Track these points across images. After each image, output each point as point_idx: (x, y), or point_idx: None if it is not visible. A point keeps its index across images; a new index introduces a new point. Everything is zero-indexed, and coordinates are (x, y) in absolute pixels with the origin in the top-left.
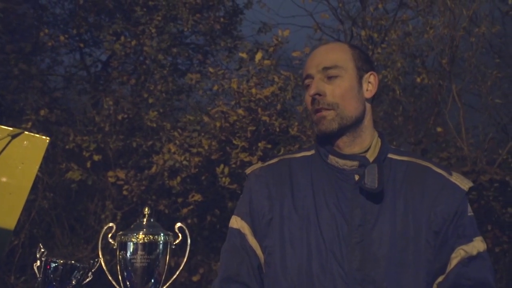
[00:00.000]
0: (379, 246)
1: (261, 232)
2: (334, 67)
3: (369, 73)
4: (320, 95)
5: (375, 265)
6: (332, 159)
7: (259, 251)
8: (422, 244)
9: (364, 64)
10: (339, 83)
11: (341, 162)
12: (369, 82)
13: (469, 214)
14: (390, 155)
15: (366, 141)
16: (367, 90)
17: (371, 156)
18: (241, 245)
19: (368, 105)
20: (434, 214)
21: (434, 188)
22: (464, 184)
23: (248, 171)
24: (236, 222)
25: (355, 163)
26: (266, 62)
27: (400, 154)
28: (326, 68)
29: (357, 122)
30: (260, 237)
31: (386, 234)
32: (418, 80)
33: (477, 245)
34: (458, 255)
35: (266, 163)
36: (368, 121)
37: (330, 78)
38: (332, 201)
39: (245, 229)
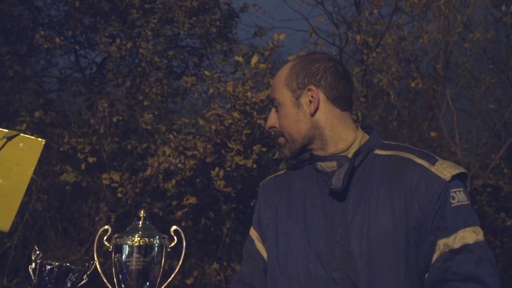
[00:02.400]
0: (355, 245)
1: (264, 237)
2: (273, 99)
3: (306, 89)
4: (273, 127)
5: (352, 264)
6: (318, 164)
7: (265, 256)
8: (401, 241)
9: (301, 81)
10: (280, 113)
11: (323, 165)
12: (312, 96)
13: (453, 204)
14: (377, 151)
15: (343, 143)
16: (309, 107)
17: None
18: (251, 250)
19: (319, 118)
20: (412, 208)
21: (412, 181)
22: (446, 173)
23: (261, 183)
24: (251, 229)
25: (334, 163)
26: (262, 65)
27: (387, 148)
28: (271, 101)
29: (311, 139)
30: (264, 242)
31: (362, 233)
32: (413, 84)
33: (465, 236)
34: (438, 249)
35: (275, 175)
36: (330, 130)
37: (276, 108)
38: (318, 204)
39: (254, 235)
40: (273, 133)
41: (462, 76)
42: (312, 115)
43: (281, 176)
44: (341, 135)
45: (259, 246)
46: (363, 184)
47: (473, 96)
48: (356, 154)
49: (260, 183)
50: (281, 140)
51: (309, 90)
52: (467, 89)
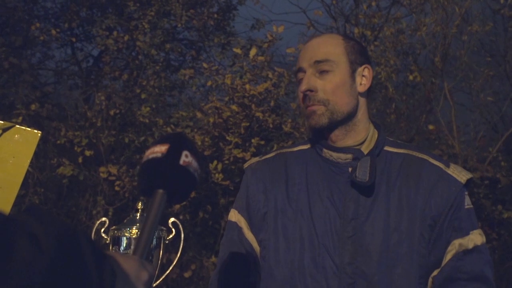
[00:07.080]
0: (371, 239)
1: (257, 225)
2: (325, 61)
3: (363, 66)
4: (311, 91)
5: (366, 259)
6: (326, 153)
7: (255, 244)
8: (415, 237)
9: (358, 57)
10: (331, 78)
11: (335, 155)
12: (363, 75)
13: (466, 206)
14: (386, 148)
15: (361, 134)
16: (360, 84)
17: (366, 148)
18: (238, 238)
19: (362, 99)
20: (429, 207)
21: (429, 180)
22: (462, 176)
23: (245, 165)
24: (234, 216)
25: (349, 156)
26: (260, 58)
27: (397, 146)
28: (317, 62)
29: (349, 116)
30: (256, 230)
31: (378, 228)
32: (411, 78)
33: (474, 238)
34: (453, 248)
35: (263, 157)
36: (362, 115)
37: (321, 72)
38: (325, 195)
39: (242, 222)
40: (308, 97)
41: (460, 69)
42: (362, 94)
43: (272, 159)
44: (362, 123)
45: (249, 235)
46: (379, 180)
47: (471, 89)
48: (374, 149)
49: (246, 166)
50: (321, 107)
51: (366, 68)
52: (465, 82)
